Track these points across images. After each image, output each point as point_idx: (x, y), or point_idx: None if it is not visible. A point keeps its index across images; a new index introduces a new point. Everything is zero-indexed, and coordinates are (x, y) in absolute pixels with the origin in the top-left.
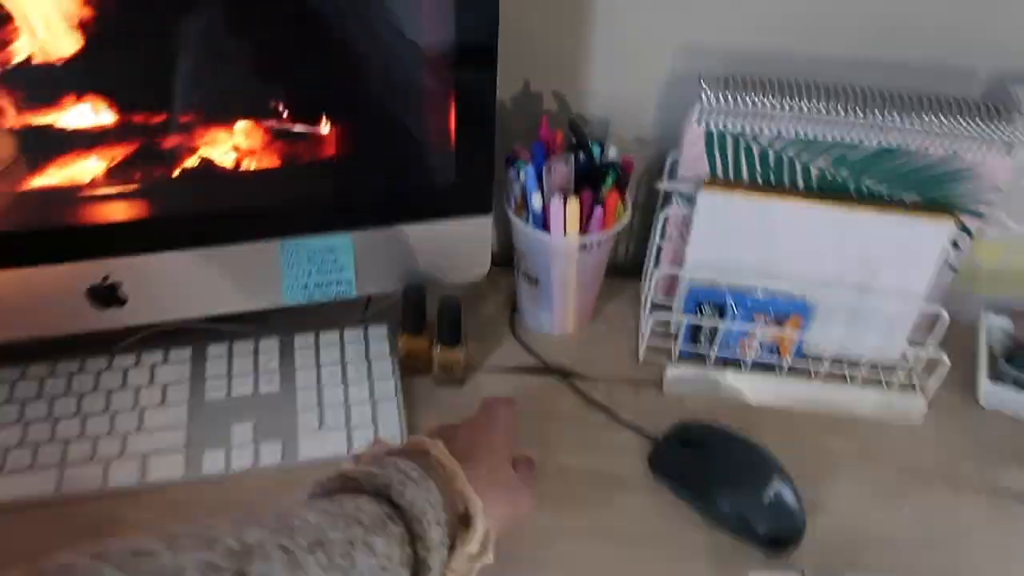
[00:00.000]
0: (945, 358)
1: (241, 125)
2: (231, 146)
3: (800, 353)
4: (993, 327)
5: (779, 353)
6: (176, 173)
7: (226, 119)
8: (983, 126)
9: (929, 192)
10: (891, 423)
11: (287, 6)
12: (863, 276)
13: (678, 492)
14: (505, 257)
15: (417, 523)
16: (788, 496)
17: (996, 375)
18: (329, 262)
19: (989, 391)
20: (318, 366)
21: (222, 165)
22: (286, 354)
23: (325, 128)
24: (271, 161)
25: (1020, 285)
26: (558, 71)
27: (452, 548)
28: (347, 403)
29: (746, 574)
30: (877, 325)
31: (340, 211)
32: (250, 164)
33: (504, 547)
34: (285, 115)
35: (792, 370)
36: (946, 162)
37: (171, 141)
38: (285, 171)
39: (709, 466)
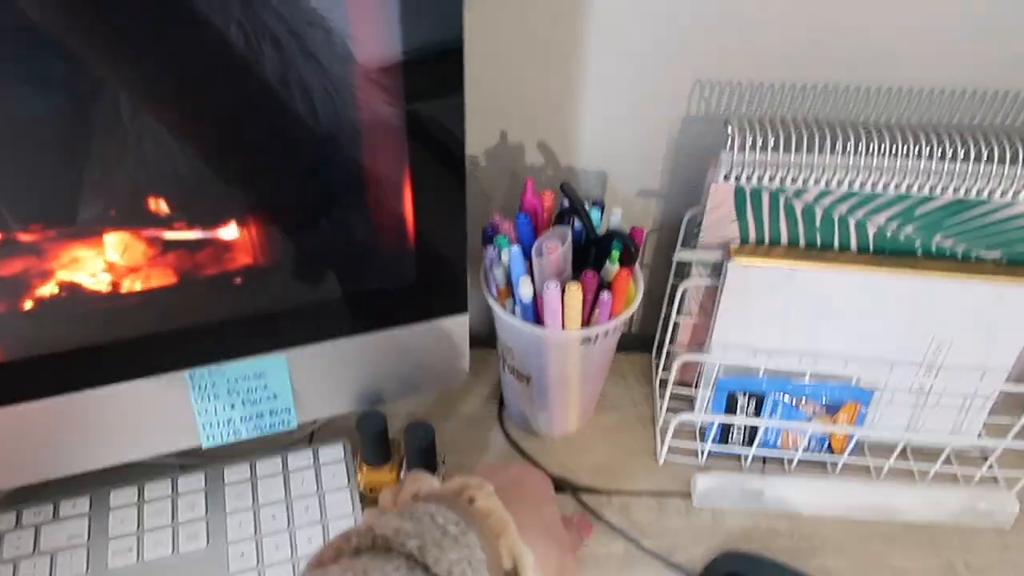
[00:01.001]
0: None
1: (111, 238)
2: (102, 264)
3: (855, 447)
4: None
5: (831, 449)
6: (28, 306)
7: (87, 231)
8: None
9: (1016, 248)
10: (975, 527)
11: (160, 65)
12: (931, 352)
13: None
14: (486, 337)
15: None
16: None
17: None
18: (258, 390)
19: None
20: (256, 508)
21: (94, 289)
22: (214, 494)
23: (231, 232)
24: (164, 278)
25: None
26: (543, 117)
27: None
28: (294, 555)
29: None
30: (948, 410)
31: (266, 328)
32: (134, 284)
33: None
34: (173, 220)
35: (847, 467)
36: None
37: (11, 267)
38: (186, 288)
39: None
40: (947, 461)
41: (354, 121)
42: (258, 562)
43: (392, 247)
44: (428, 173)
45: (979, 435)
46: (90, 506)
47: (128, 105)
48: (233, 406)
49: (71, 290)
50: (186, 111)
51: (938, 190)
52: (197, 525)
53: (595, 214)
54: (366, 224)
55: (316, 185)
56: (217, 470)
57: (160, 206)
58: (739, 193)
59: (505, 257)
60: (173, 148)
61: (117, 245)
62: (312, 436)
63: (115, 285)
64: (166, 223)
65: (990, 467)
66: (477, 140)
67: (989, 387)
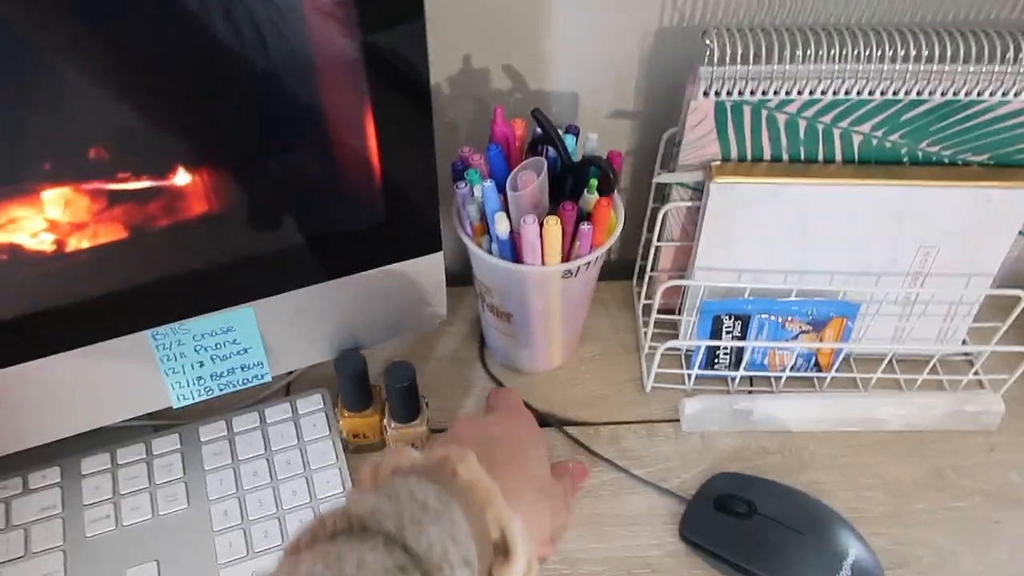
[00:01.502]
0: None
1: (51, 194)
2: (43, 224)
3: (842, 361)
4: None
5: (818, 365)
6: None
7: (22, 189)
8: None
9: (1004, 151)
10: (962, 432)
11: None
12: (917, 262)
13: (723, 569)
14: (461, 274)
15: (437, 571)
16: (864, 562)
17: None
18: (227, 345)
19: None
20: (235, 465)
21: (37, 250)
22: (190, 454)
23: (182, 179)
24: (113, 233)
25: None
26: (507, 38)
27: None
28: (280, 509)
29: None
30: (934, 319)
31: (231, 280)
32: (81, 242)
33: None
34: (117, 171)
35: (834, 381)
36: None
37: None
38: (138, 242)
39: (760, 534)
40: (933, 370)
41: (307, 53)
42: (243, 519)
43: (358, 186)
44: (391, 106)
45: (964, 341)
46: (61, 476)
47: (58, 50)
48: (202, 364)
49: (12, 253)
50: (122, 52)
51: (926, 93)
52: (175, 486)
53: (569, 140)
54: (328, 163)
55: (270, 125)
56: (192, 430)
57: (102, 157)
58: (719, 108)
59: (478, 193)
60: (111, 93)
61: (57, 201)
62: (288, 388)
63: (60, 244)
64: (109, 174)
65: (975, 372)
66: (438, 66)
67: (974, 293)
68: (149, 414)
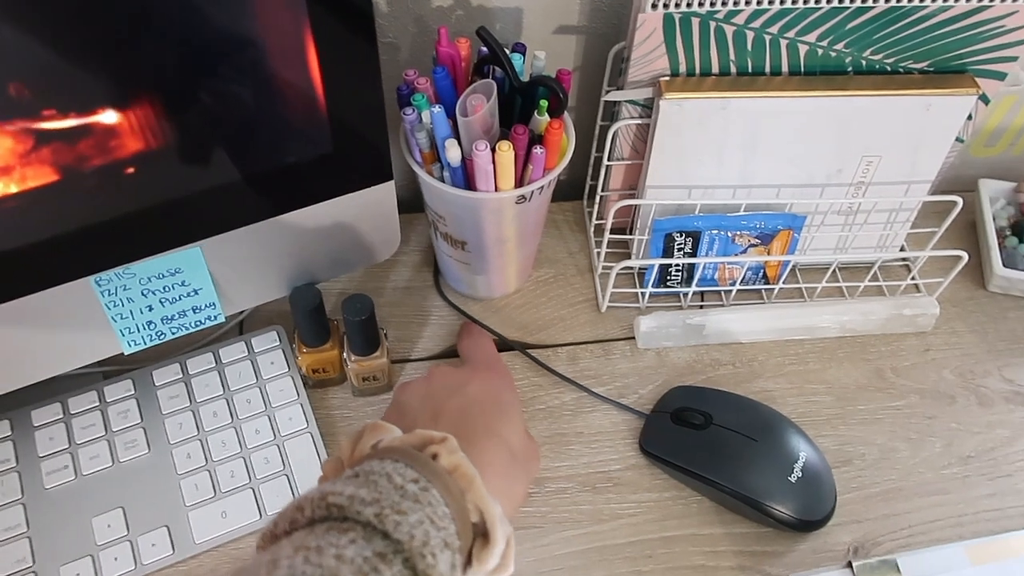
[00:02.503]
0: (964, 254)
1: None
2: None
3: (789, 273)
4: (993, 196)
5: (766, 277)
6: None
7: None
8: None
9: (943, 57)
10: (900, 334)
11: None
12: (860, 172)
13: (681, 479)
14: (409, 201)
15: (419, 557)
16: (813, 463)
17: (1005, 255)
18: (175, 287)
19: (1001, 274)
20: (194, 408)
21: None
22: (145, 398)
23: (112, 116)
24: (43, 176)
25: (1021, 143)
26: None
27: (468, 563)
28: (244, 448)
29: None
30: (874, 227)
31: (174, 220)
32: (8, 187)
33: None
34: (40, 108)
35: (782, 292)
36: (968, 16)
37: None
38: (71, 184)
39: (716, 443)
40: (874, 276)
41: None
42: (207, 460)
43: (301, 115)
44: (332, 27)
45: (903, 248)
46: (11, 429)
47: None
48: (151, 308)
49: None
50: None
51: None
52: (134, 432)
53: (516, 60)
54: (268, 92)
55: (202, 52)
56: (145, 374)
57: (22, 94)
58: (668, 21)
59: (427, 119)
60: (27, 23)
61: None
62: (242, 326)
63: None
64: (33, 113)
65: (913, 277)
66: None
67: (914, 200)
68: (99, 361)
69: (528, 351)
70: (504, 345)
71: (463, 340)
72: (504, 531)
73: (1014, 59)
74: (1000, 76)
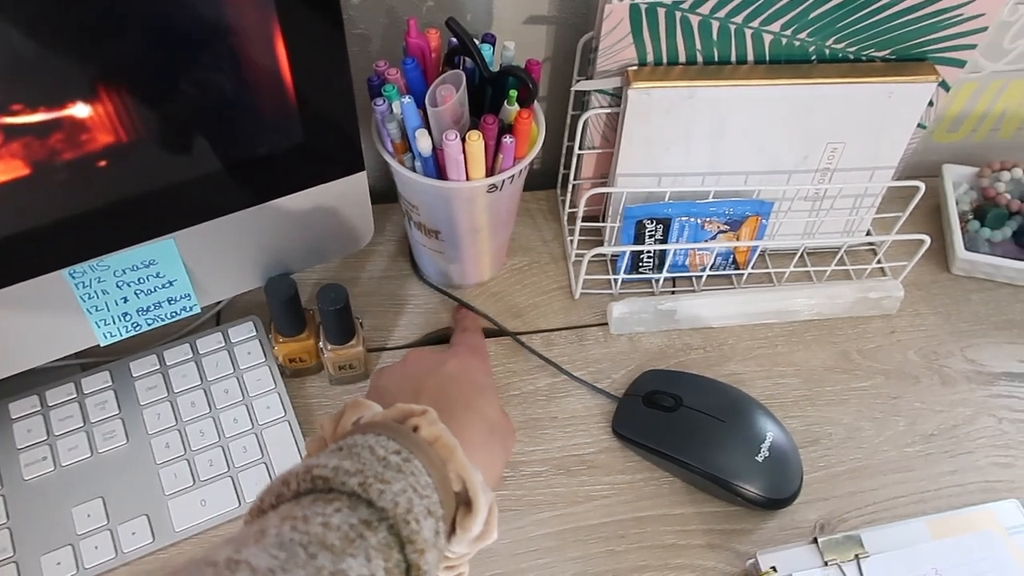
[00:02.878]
0: (927, 238)
1: None
2: None
3: (758, 258)
4: (955, 181)
5: (736, 263)
6: None
7: None
8: None
9: (904, 45)
10: (866, 317)
11: None
12: (826, 158)
13: (653, 460)
14: (382, 191)
15: (404, 524)
16: (780, 443)
17: (967, 239)
18: (150, 279)
19: (963, 257)
20: (172, 398)
21: None
22: (123, 390)
23: (83, 110)
24: (14, 170)
25: (982, 129)
26: None
27: (452, 531)
28: (223, 437)
29: (752, 553)
30: (841, 212)
31: (147, 212)
32: None
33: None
34: (8, 103)
35: (751, 277)
36: (927, 5)
37: None
38: (44, 178)
39: (686, 424)
40: (840, 260)
41: None
42: (186, 449)
43: (272, 107)
44: (300, 18)
45: (868, 232)
46: None
47: None
48: (126, 299)
49: None
50: None
51: None
52: (112, 423)
53: (486, 50)
54: (238, 84)
55: (172, 46)
56: (123, 366)
57: None
58: (634, 12)
59: (397, 109)
60: None
61: None
62: (218, 317)
63: None
64: (1, 108)
65: (878, 261)
66: None
67: (878, 185)
68: (76, 354)
69: (502, 339)
70: (499, 331)
71: (458, 320)
72: (486, 498)
73: (973, 47)
74: (960, 64)
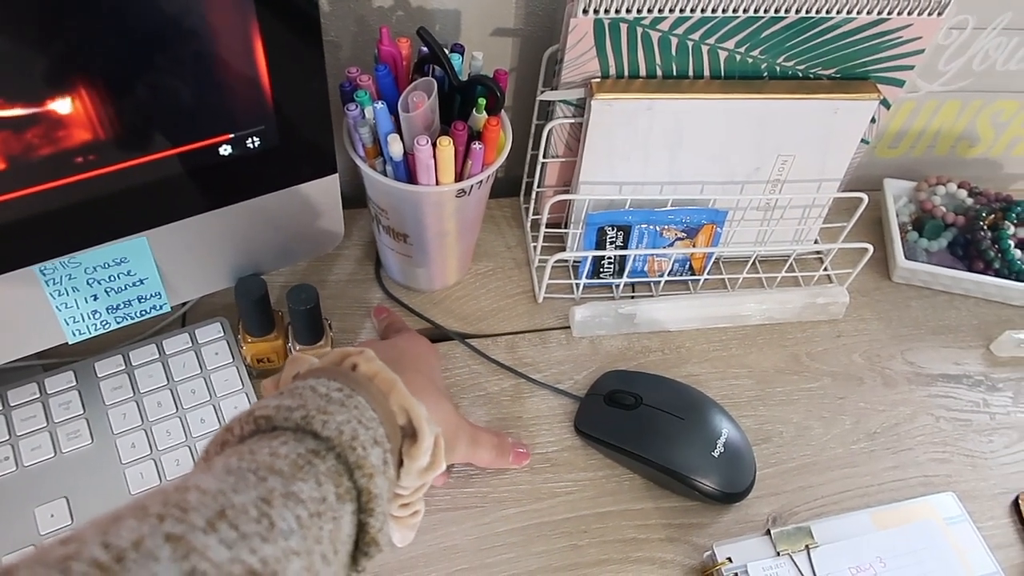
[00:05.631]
0: (869, 247)
1: None
2: None
3: (713, 265)
4: (896, 194)
5: (692, 269)
6: None
7: None
8: None
9: (849, 65)
10: (814, 322)
11: None
12: (777, 170)
13: (614, 457)
14: (352, 196)
15: (350, 450)
16: (734, 440)
17: (907, 248)
18: (121, 277)
19: (903, 266)
20: (138, 398)
21: None
22: (88, 390)
23: (61, 106)
24: None
25: (920, 146)
26: None
27: (400, 464)
28: (189, 437)
29: (708, 545)
30: (790, 222)
31: (121, 210)
32: None
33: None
34: None
35: (706, 283)
36: (870, 28)
37: None
38: (19, 173)
39: (646, 422)
40: (790, 268)
41: None
42: (152, 449)
43: (248, 110)
44: (277, 25)
45: (816, 241)
46: None
47: None
48: (96, 297)
49: None
50: None
51: (783, 10)
52: (76, 423)
53: (455, 59)
54: (215, 86)
55: (152, 47)
56: (87, 366)
57: None
58: (598, 26)
59: (369, 115)
60: None
61: None
62: (184, 318)
63: None
64: None
65: (825, 268)
66: None
67: (825, 196)
68: (38, 353)
69: (467, 340)
70: (443, 335)
71: (381, 329)
72: (431, 429)
73: (911, 68)
74: (899, 83)
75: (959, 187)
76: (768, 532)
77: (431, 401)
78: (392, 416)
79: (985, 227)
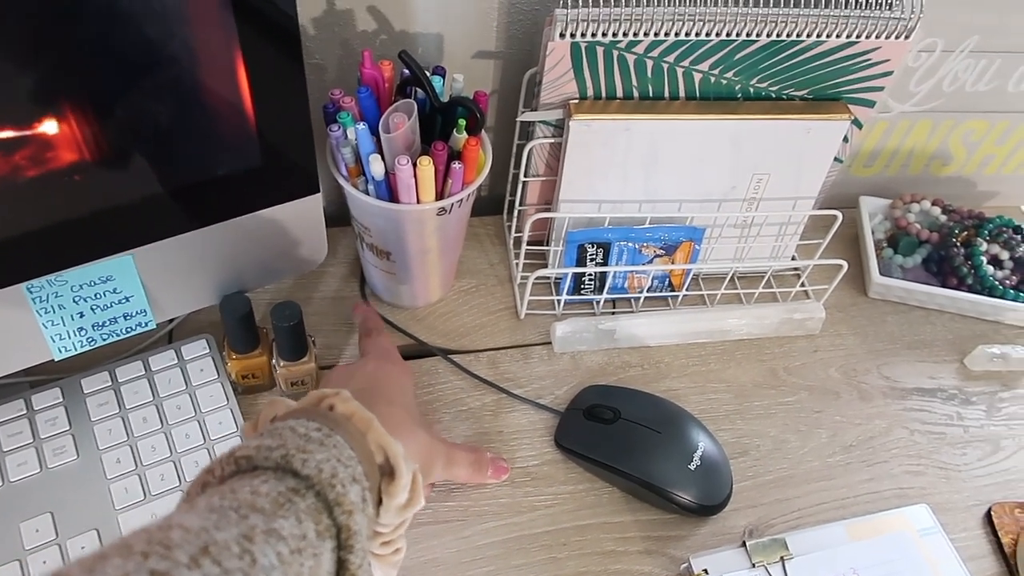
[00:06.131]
0: (844, 263)
1: None
2: None
3: (691, 281)
4: (871, 211)
5: (671, 285)
6: None
7: None
8: (875, 9)
9: (820, 86)
10: (791, 337)
11: None
12: (752, 188)
13: (594, 471)
14: (336, 214)
15: (329, 488)
16: (711, 453)
17: (882, 265)
18: (107, 295)
19: (878, 282)
20: (123, 414)
21: None
22: (74, 406)
23: (49, 128)
24: None
25: (894, 165)
26: None
27: (379, 503)
28: (174, 453)
29: (685, 558)
30: (767, 239)
31: (107, 229)
32: None
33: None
34: None
35: (685, 299)
36: (840, 50)
37: None
38: (7, 193)
39: (625, 436)
40: (768, 284)
41: None
42: (137, 464)
43: (232, 130)
44: (261, 47)
45: (793, 257)
46: None
47: None
48: (82, 314)
49: None
50: None
51: (755, 34)
52: (62, 439)
53: (437, 81)
54: (200, 108)
55: (138, 70)
56: (73, 383)
57: None
58: (575, 50)
59: (352, 135)
60: None
61: None
62: (171, 335)
63: None
64: None
65: (802, 284)
66: (303, 7)
67: (800, 214)
68: (25, 370)
69: (449, 356)
70: (426, 351)
71: (362, 339)
72: (408, 467)
73: (881, 88)
74: (870, 104)
75: (933, 204)
76: (744, 544)
77: (406, 433)
78: (370, 455)
79: (958, 244)
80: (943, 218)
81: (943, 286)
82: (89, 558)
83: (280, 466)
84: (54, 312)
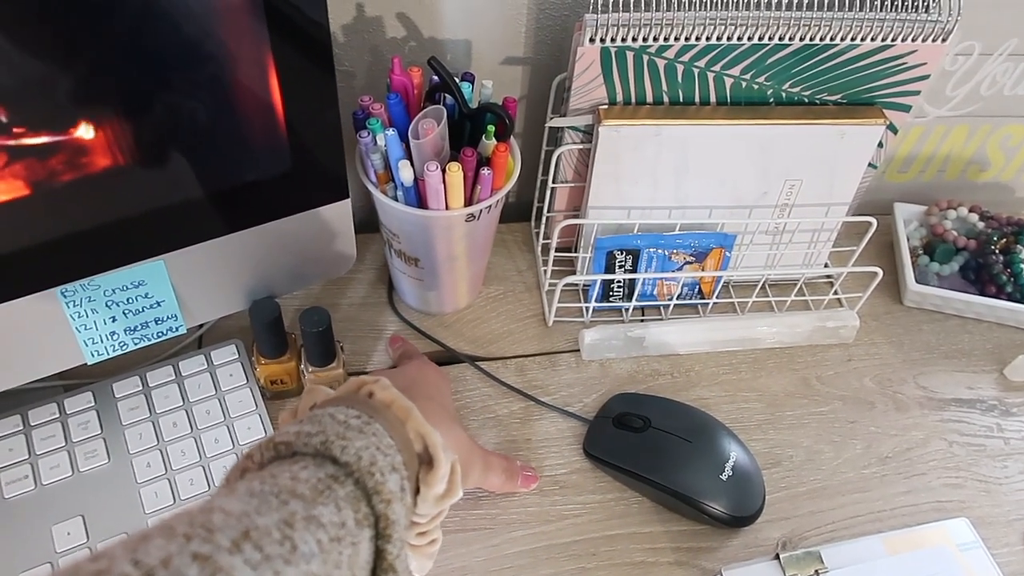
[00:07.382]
0: (879, 270)
1: None
2: None
3: (722, 288)
4: (906, 218)
5: (701, 292)
6: None
7: None
8: (911, 12)
9: (854, 90)
10: (824, 345)
11: None
12: (784, 194)
13: (623, 480)
14: (364, 220)
15: (368, 476)
16: (744, 463)
17: (918, 272)
18: (139, 299)
19: (914, 290)
20: (154, 419)
21: None
22: (106, 410)
23: (84, 134)
24: (14, 191)
25: (930, 170)
26: None
27: (417, 492)
28: (203, 457)
29: (717, 569)
30: (799, 245)
31: (139, 234)
32: None
33: None
34: (11, 126)
35: (716, 307)
36: (875, 54)
37: None
38: (42, 199)
39: (654, 445)
40: (800, 291)
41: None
42: (167, 469)
43: (263, 136)
44: (292, 55)
45: (826, 264)
46: None
47: None
48: (114, 319)
49: None
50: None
51: (788, 38)
52: (94, 443)
53: (466, 88)
54: (232, 114)
55: (172, 76)
56: (105, 387)
57: None
58: (605, 55)
59: (381, 141)
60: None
61: None
62: (201, 340)
63: None
64: (4, 131)
65: (835, 292)
66: (333, 16)
67: (833, 221)
68: (59, 374)
69: (477, 363)
70: (453, 358)
71: (395, 357)
72: (447, 456)
73: (917, 93)
74: (906, 108)
75: (970, 211)
76: (777, 556)
77: (445, 428)
78: (409, 443)
79: (997, 251)
80: (981, 225)
81: (981, 294)
82: (132, 538)
83: (319, 452)
84: (87, 316)
